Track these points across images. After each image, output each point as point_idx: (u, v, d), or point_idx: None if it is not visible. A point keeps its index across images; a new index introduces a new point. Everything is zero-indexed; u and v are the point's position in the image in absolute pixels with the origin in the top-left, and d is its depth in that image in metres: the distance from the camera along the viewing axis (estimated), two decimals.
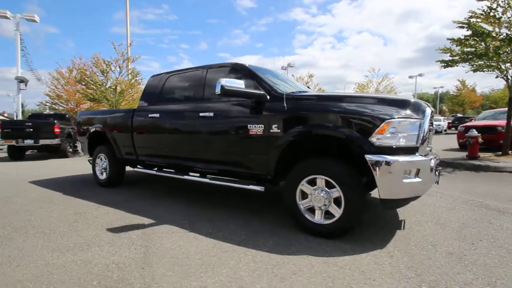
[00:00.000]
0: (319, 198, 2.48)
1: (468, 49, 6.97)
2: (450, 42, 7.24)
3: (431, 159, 2.38)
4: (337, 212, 2.42)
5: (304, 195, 2.60)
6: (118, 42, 11.76)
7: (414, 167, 2.25)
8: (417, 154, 2.32)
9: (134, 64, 12.54)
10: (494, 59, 6.30)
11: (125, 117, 4.27)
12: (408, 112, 2.33)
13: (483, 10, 6.40)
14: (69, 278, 1.89)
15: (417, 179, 2.26)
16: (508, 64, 6.51)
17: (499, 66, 6.53)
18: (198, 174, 3.53)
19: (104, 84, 11.39)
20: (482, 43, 6.50)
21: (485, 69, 6.88)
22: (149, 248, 2.35)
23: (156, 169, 4.08)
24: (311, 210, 2.58)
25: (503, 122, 7.82)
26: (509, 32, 6.24)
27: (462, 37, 6.94)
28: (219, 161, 3.24)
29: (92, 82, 11.27)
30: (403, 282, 1.84)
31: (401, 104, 2.38)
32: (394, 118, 2.25)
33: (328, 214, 2.50)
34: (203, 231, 2.71)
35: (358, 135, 2.29)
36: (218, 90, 2.69)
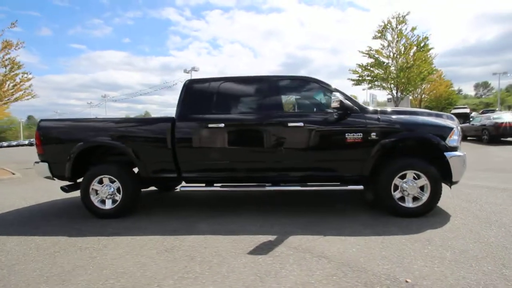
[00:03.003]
0: (411, 187, 3.28)
1: (368, 73, 9.71)
2: (357, 66, 9.79)
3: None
4: (424, 196, 3.30)
5: (394, 187, 3.33)
6: None
7: (465, 158, 3.43)
8: (459, 150, 3.53)
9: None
10: (389, 81, 9.15)
11: (160, 126, 3.58)
12: (456, 122, 3.52)
13: (382, 46, 9.16)
14: None
15: (465, 166, 3.46)
16: (393, 86, 9.57)
17: (389, 86, 9.50)
18: (270, 183, 3.55)
19: None
20: (380, 69, 9.25)
21: (379, 88, 9.77)
22: (331, 259, 2.42)
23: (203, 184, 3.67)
24: (400, 198, 3.35)
25: None
26: (395, 63, 9.25)
27: (366, 64, 9.60)
28: (308, 168, 3.46)
29: None
30: (492, 233, 2.90)
31: (451, 117, 3.56)
32: (455, 127, 3.36)
33: (414, 200, 3.34)
34: (331, 233, 2.94)
35: (439, 139, 3.27)
36: (336, 104, 3.03)
